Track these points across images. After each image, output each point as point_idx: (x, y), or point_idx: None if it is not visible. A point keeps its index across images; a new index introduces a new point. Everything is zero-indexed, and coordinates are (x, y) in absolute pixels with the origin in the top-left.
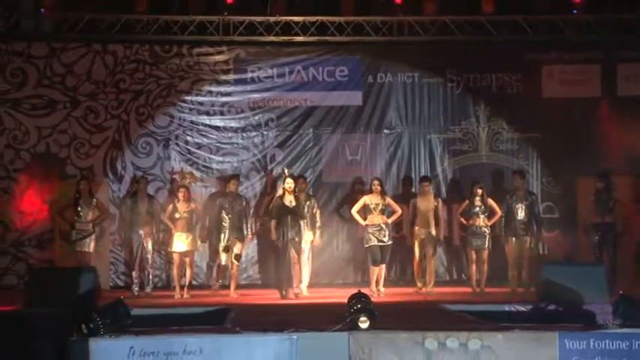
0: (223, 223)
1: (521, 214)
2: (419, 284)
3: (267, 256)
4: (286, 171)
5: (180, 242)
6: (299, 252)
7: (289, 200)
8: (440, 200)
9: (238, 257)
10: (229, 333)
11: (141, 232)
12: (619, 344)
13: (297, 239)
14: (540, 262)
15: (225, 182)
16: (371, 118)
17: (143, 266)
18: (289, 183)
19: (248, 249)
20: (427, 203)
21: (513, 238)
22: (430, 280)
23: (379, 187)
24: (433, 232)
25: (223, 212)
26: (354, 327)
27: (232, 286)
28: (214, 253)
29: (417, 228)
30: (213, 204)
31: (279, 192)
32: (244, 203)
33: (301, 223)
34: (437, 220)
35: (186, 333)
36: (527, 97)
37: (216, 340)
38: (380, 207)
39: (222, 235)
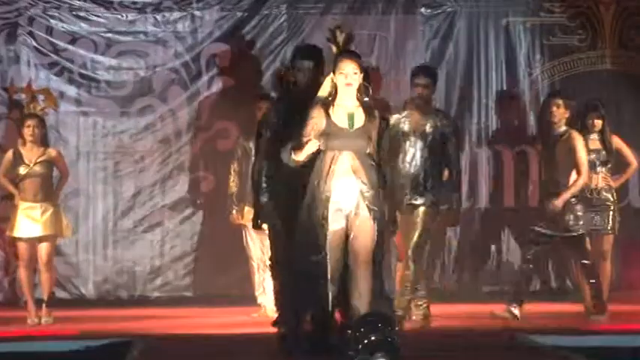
0: None
1: None
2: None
3: (209, 245)
4: (339, 35)
5: (30, 221)
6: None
7: (348, 113)
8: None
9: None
10: None
11: None
12: None
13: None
14: None
15: None
16: None
17: None
18: (347, 68)
19: (165, 234)
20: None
21: None
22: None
23: None
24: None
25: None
26: None
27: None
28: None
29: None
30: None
31: (321, 91)
32: None
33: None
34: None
35: None
36: None
37: None
38: None
39: None
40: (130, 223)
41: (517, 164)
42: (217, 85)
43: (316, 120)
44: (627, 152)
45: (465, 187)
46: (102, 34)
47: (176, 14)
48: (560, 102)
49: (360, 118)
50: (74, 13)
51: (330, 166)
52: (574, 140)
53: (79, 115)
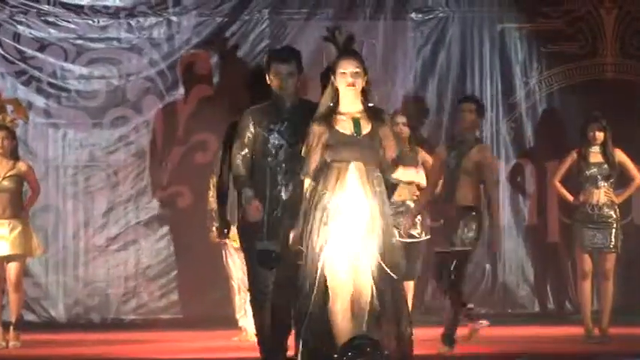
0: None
1: None
2: None
3: (186, 264)
4: (339, 35)
5: None
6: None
7: (352, 118)
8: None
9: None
10: None
11: None
12: None
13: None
14: None
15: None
16: None
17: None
18: (349, 67)
19: (140, 253)
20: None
21: None
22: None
23: (407, 129)
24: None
25: (270, 153)
26: None
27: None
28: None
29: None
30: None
31: (323, 100)
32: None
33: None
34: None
35: None
36: None
37: None
38: None
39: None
40: (103, 242)
41: (512, 178)
42: (195, 95)
43: (317, 134)
44: (630, 166)
45: None
46: (72, 41)
47: (151, 20)
48: (473, 107)
49: (366, 124)
50: (43, 18)
51: (336, 180)
52: (486, 154)
53: (48, 127)
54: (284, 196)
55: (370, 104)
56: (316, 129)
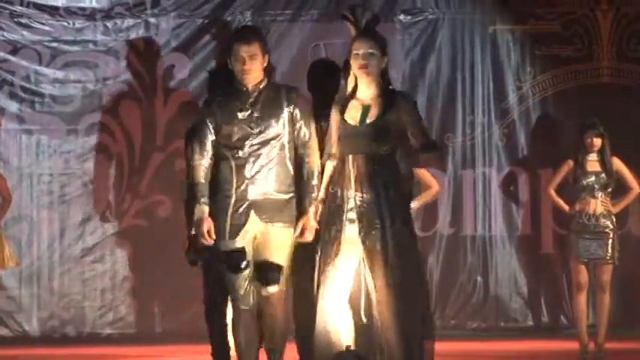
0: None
1: None
2: None
3: (166, 276)
4: (360, 13)
5: None
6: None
7: (363, 105)
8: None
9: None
10: None
11: None
12: None
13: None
14: None
15: None
16: None
17: None
18: (363, 47)
19: (117, 265)
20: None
21: None
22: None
23: None
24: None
25: (235, 146)
26: None
27: None
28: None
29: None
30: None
31: (347, 83)
32: (299, 117)
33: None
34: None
35: None
36: None
37: None
38: None
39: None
40: (79, 253)
41: (505, 187)
42: (175, 100)
43: (334, 118)
44: (628, 175)
45: (448, 213)
46: (46, 44)
47: (129, 22)
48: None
49: (376, 111)
50: (15, 20)
51: (340, 178)
52: None
53: (22, 133)
54: (251, 192)
55: (391, 87)
56: (333, 113)
